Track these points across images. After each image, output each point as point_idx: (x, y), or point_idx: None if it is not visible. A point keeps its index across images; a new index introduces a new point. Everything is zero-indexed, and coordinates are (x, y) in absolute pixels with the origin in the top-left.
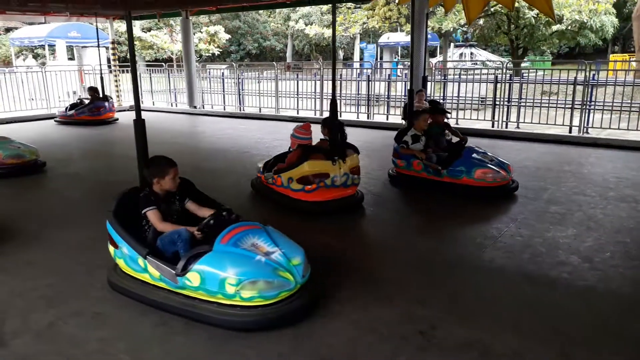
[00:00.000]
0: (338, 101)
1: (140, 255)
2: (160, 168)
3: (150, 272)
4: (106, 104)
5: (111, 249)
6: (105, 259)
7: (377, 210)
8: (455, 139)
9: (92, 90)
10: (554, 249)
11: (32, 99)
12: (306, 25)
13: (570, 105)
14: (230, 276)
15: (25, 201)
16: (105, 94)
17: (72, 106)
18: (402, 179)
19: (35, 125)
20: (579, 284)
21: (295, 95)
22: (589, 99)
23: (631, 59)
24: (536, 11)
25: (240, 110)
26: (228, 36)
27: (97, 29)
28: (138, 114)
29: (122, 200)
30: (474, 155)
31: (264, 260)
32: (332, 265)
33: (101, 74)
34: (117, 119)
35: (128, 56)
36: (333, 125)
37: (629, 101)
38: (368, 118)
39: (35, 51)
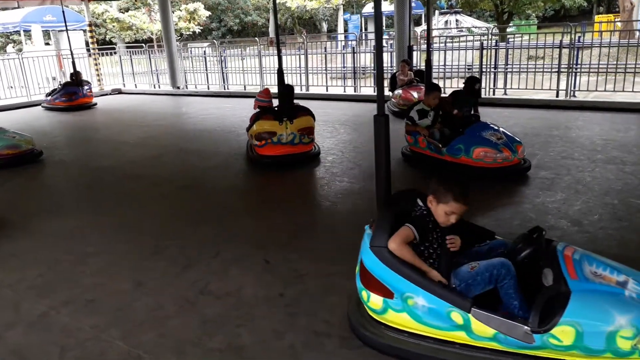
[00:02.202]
0: (323, 75)
1: (461, 309)
2: (450, 193)
3: (474, 329)
4: (81, 88)
5: (375, 299)
6: (97, 245)
7: (367, 185)
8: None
9: (74, 75)
10: (544, 214)
11: (12, 87)
12: None
13: (556, 69)
14: (623, 326)
15: (10, 191)
16: (82, 78)
17: (52, 92)
18: (412, 157)
19: (16, 113)
20: None
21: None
22: (575, 62)
23: (616, 20)
24: None
25: (224, 89)
26: (208, 13)
27: (63, 11)
28: (381, 109)
29: (389, 221)
30: (481, 132)
31: (635, 296)
32: (321, 238)
33: (73, 58)
34: (96, 104)
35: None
36: (282, 90)
37: (615, 62)
38: (355, 91)
39: (10, 37)
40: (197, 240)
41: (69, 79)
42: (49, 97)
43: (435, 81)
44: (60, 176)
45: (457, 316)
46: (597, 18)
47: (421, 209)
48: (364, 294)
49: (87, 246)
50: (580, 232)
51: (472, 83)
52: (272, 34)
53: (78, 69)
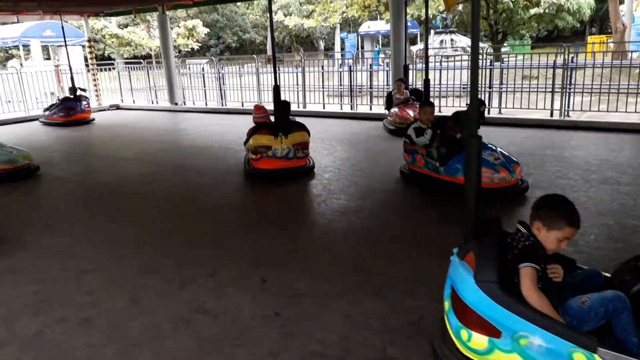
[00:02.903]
0: (321, 93)
1: (586, 349)
2: (564, 219)
3: None
4: (79, 104)
5: (479, 338)
6: (93, 262)
7: (364, 203)
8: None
9: (72, 90)
10: None
11: (9, 102)
12: (285, 16)
13: (550, 89)
14: None
15: (6, 207)
16: (79, 94)
17: (50, 108)
18: (411, 176)
19: (13, 128)
20: None
21: None
22: (568, 82)
23: (609, 41)
24: None
25: (222, 105)
26: (207, 30)
27: (62, 27)
28: (473, 129)
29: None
30: None
31: None
32: (317, 256)
33: (71, 73)
34: (94, 119)
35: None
36: (278, 106)
37: (608, 83)
38: (352, 109)
39: (9, 52)
40: (193, 258)
41: (67, 94)
42: (46, 112)
43: (430, 100)
44: (56, 192)
45: (580, 357)
46: (590, 39)
47: (526, 238)
48: (464, 333)
49: (83, 263)
50: (577, 252)
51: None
52: (269, 51)
53: (77, 84)
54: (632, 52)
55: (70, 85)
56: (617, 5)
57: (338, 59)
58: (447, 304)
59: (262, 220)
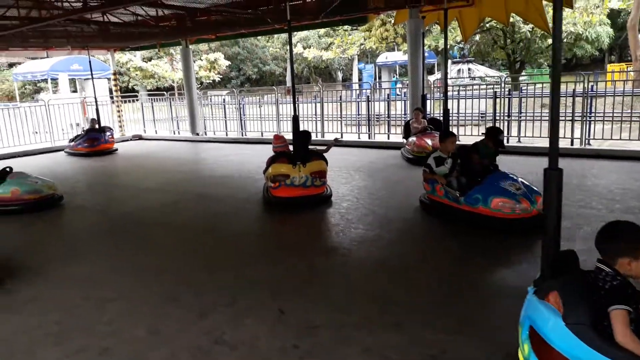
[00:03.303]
0: (339, 122)
1: None
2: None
3: None
4: (103, 135)
5: None
6: (114, 291)
7: (382, 232)
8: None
9: (92, 121)
10: None
11: (37, 132)
12: (304, 48)
13: (570, 118)
14: None
15: (31, 236)
16: (104, 125)
17: (75, 138)
18: (430, 205)
19: (39, 158)
20: None
21: None
22: (588, 110)
23: (629, 69)
24: (531, 25)
25: (242, 135)
26: (228, 62)
27: (89, 62)
28: (554, 162)
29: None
30: (499, 182)
31: None
32: (335, 286)
33: (96, 105)
34: (117, 150)
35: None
36: (296, 135)
37: (629, 111)
38: (369, 138)
39: (38, 85)
40: (213, 287)
41: (89, 126)
42: (72, 143)
43: (449, 128)
44: (80, 221)
45: None
46: (609, 67)
47: (612, 277)
48: None
49: (105, 292)
50: None
51: (495, 134)
52: (289, 83)
53: (101, 115)
54: None
55: (95, 117)
56: (636, 33)
57: (356, 89)
58: (526, 347)
59: (280, 248)
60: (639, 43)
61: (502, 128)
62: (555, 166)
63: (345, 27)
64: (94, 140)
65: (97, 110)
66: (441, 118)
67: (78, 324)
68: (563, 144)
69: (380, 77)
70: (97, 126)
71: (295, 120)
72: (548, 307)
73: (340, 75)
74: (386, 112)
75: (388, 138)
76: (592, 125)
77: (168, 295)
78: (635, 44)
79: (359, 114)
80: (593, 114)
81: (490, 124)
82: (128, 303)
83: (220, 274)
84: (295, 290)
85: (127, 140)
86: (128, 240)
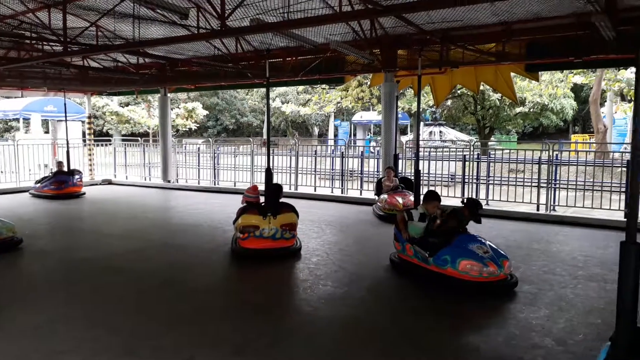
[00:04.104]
0: (313, 176)
1: None
2: None
3: None
4: (71, 177)
5: None
6: (68, 344)
7: (351, 290)
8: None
9: (59, 164)
10: (528, 330)
11: (1, 172)
12: (282, 103)
13: (537, 184)
14: None
15: None
16: (73, 167)
17: (42, 180)
18: (400, 264)
19: (2, 199)
20: None
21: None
22: (554, 178)
23: (591, 140)
24: (500, 94)
25: (215, 184)
26: (206, 112)
27: (65, 103)
28: (632, 235)
29: None
30: (468, 244)
31: None
32: (300, 347)
33: (67, 147)
34: (84, 193)
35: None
36: (268, 187)
37: (592, 180)
38: (342, 193)
39: (9, 124)
40: (172, 342)
41: (56, 168)
42: (37, 184)
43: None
44: (38, 266)
45: None
46: (573, 137)
47: None
48: None
49: (57, 344)
50: (566, 352)
51: (475, 207)
52: (265, 135)
53: (72, 158)
54: (613, 152)
55: (62, 159)
56: (598, 107)
57: (331, 145)
58: None
59: (245, 305)
60: (601, 116)
61: (470, 190)
62: (633, 239)
63: (324, 85)
64: (61, 183)
65: (67, 152)
66: (412, 178)
67: None
68: (529, 208)
69: (355, 135)
70: (65, 168)
71: (268, 172)
72: None
73: (316, 130)
74: (359, 169)
75: (360, 194)
76: (557, 192)
77: (123, 349)
78: (597, 117)
79: (333, 169)
80: (558, 182)
81: (459, 187)
82: (79, 357)
83: (180, 329)
84: (258, 350)
85: (97, 184)
86: (86, 288)
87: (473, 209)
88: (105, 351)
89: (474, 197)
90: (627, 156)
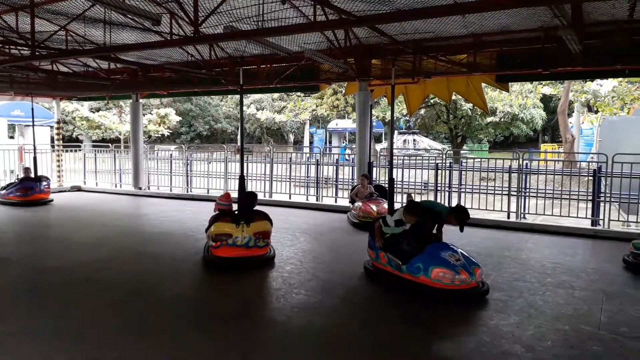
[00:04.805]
0: (287, 183)
1: None
2: None
3: None
4: (39, 184)
5: None
6: (27, 358)
7: (324, 299)
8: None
9: (26, 170)
10: (498, 337)
11: None
12: (257, 110)
13: (507, 192)
14: None
15: None
16: (40, 174)
17: (7, 186)
18: (374, 272)
19: None
20: None
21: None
22: (523, 186)
23: (560, 149)
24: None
25: (187, 191)
26: (179, 118)
27: (32, 108)
28: None
29: None
30: (440, 252)
31: None
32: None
33: (35, 153)
34: (52, 200)
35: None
36: (241, 195)
37: (560, 189)
38: (317, 200)
39: None
40: (140, 354)
41: (23, 174)
42: (2, 191)
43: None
44: (1, 276)
45: None
46: (542, 146)
47: None
48: None
49: (22, 357)
50: (535, 358)
51: (463, 214)
52: (239, 142)
53: (40, 164)
54: (580, 161)
55: (29, 165)
56: (565, 118)
57: (306, 152)
58: None
59: (217, 315)
60: (569, 127)
61: (442, 198)
62: None
63: (299, 93)
64: (27, 190)
65: (35, 158)
66: (386, 185)
67: None
68: (499, 216)
69: (330, 142)
70: (32, 175)
71: (242, 180)
72: None
73: (292, 137)
74: (334, 176)
75: (335, 201)
76: (527, 200)
77: None
78: (565, 127)
79: (307, 176)
80: (528, 190)
81: (432, 194)
82: None
83: (149, 341)
84: None
85: (65, 191)
86: (52, 298)
87: (460, 216)
88: None
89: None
90: (594, 165)
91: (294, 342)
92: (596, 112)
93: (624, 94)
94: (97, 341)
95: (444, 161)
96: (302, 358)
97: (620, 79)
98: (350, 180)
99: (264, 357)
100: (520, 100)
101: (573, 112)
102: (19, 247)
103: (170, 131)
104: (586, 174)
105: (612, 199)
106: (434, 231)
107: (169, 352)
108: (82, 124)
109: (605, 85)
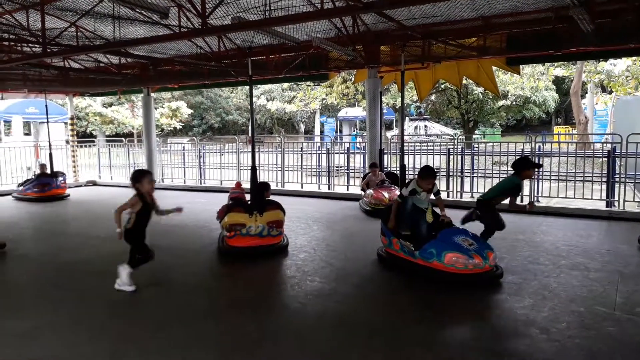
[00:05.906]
0: (299, 173)
1: None
2: None
3: None
4: (55, 180)
5: None
6: (50, 350)
7: (338, 286)
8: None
9: (42, 166)
10: (513, 320)
11: None
12: (268, 100)
13: None
14: None
15: None
16: (56, 169)
17: (24, 183)
18: (387, 259)
19: None
20: (538, 357)
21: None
22: (537, 169)
23: (573, 131)
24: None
25: (200, 183)
26: (190, 111)
27: (46, 105)
28: None
29: None
30: (452, 237)
31: None
32: (289, 344)
33: (50, 149)
34: (69, 195)
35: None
36: (254, 186)
37: (574, 171)
38: (329, 189)
39: None
40: (158, 345)
41: (39, 170)
42: (20, 187)
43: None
44: (22, 271)
45: None
46: (555, 129)
47: None
48: None
49: (41, 350)
50: (549, 340)
51: (529, 163)
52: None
53: (55, 160)
54: (594, 143)
55: (45, 161)
56: (579, 99)
57: (317, 142)
58: None
59: (233, 303)
60: (582, 108)
61: (455, 183)
62: None
63: (308, 82)
64: (44, 185)
65: (50, 154)
66: (398, 172)
67: None
68: None
69: (341, 131)
70: (48, 171)
71: (253, 170)
72: None
73: (302, 127)
74: (346, 165)
75: (347, 190)
76: (541, 183)
77: (109, 354)
78: (578, 108)
79: (319, 165)
80: (541, 173)
81: (444, 180)
82: None
83: (167, 331)
84: (247, 348)
85: (81, 186)
86: (71, 292)
87: (529, 164)
88: (92, 356)
89: (458, 189)
90: (608, 147)
91: (309, 328)
92: (610, 92)
93: (638, 73)
94: (116, 333)
95: (455, 146)
96: (317, 344)
97: (634, 57)
98: (361, 169)
99: (280, 344)
100: (532, 82)
101: (586, 93)
102: (37, 243)
103: (182, 124)
104: (600, 155)
105: (627, 180)
106: (444, 212)
107: (189, 341)
108: (95, 120)
109: (619, 65)
